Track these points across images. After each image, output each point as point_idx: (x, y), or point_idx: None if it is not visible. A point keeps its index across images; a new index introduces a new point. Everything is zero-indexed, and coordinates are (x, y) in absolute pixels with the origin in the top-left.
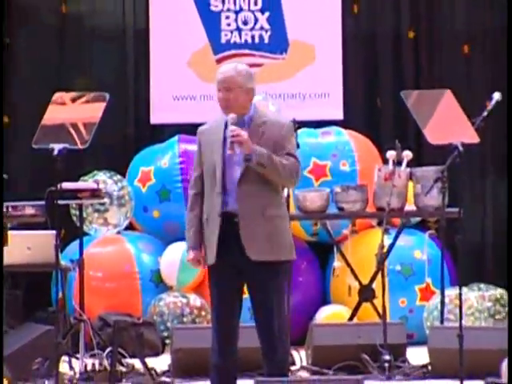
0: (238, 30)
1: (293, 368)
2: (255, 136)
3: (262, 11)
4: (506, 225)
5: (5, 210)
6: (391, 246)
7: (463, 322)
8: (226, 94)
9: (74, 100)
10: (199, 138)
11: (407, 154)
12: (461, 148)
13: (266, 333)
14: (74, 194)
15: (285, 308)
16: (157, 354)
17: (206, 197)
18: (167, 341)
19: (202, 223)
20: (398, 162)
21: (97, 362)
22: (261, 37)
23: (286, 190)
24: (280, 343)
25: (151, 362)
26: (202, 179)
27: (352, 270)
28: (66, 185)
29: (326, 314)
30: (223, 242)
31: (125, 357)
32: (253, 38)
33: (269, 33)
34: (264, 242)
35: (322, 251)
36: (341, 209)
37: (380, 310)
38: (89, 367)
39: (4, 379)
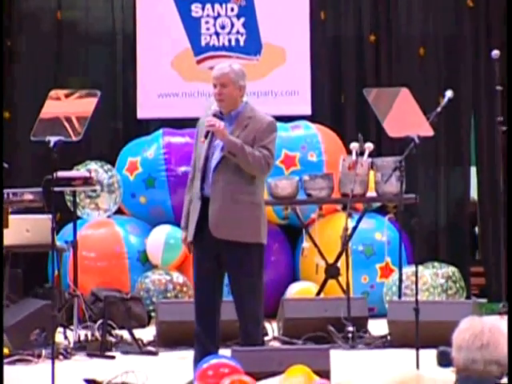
0: (217, 33)
1: (266, 338)
2: (239, 128)
3: (238, 17)
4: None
5: (5, 196)
6: (354, 228)
7: (419, 296)
8: (221, 89)
9: (68, 96)
10: (197, 129)
11: (369, 146)
12: (417, 140)
13: (241, 309)
14: (69, 181)
15: (259, 287)
16: (143, 325)
17: (194, 182)
18: (152, 314)
19: None
20: (361, 153)
21: (89, 333)
22: (237, 40)
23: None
24: (253, 320)
25: (138, 333)
26: (195, 165)
27: (319, 250)
28: (61, 173)
29: (296, 290)
30: (201, 223)
31: (114, 328)
32: (229, 41)
33: (244, 36)
34: (230, 224)
35: (292, 233)
36: (309, 195)
37: (344, 286)
38: (82, 338)
39: (5, 348)
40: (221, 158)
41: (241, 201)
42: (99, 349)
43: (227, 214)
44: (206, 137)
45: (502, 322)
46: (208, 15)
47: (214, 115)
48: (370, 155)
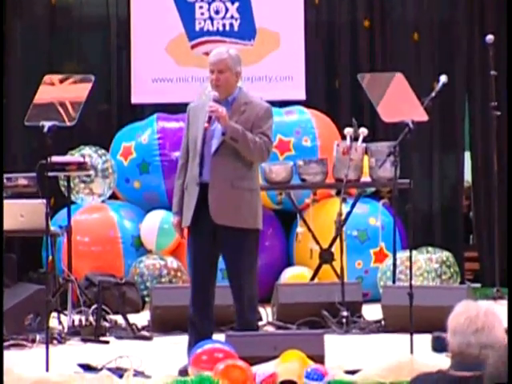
0: (211, 18)
1: (260, 323)
2: (236, 114)
3: (232, 2)
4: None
5: None
6: (348, 213)
7: (413, 281)
8: (218, 75)
9: (62, 81)
10: (188, 114)
11: (363, 131)
12: (411, 125)
13: (237, 294)
14: (63, 166)
15: (254, 272)
16: (137, 310)
17: (189, 167)
18: (147, 299)
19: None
20: (355, 138)
21: (83, 317)
22: (231, 25)
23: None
24: (249, 304)
25: (132, 318)
26: (187, 151)
27: (313, 235)
28: (56, 158)
29: (290, 275)
30: (199, 208)
31: (108, 313)
32: (224, 26)
33: (238, 21)
34: (230, 210)
35: (287, 218)
36: (303, 180)
37: (338, 271)
38: (76, 322)
39: None
40: (220, 143)
41: (240, 186)
42: (93, 334)
43: (227, 200)
44: (208, 122)
45: (496, 306)
46: (202, 0)
47: (215, 100)
48: (364, 140)
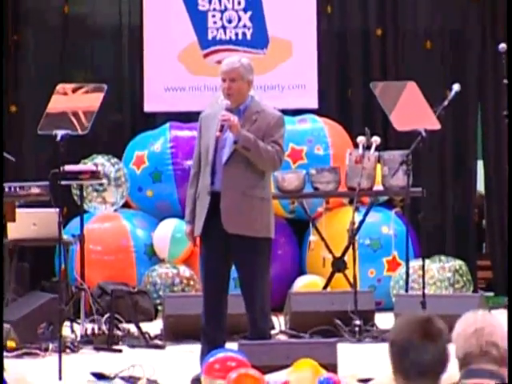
0: (223, 27)
1: (272, 332)
2: (248, 122)
3: (245, 10)
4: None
5: (12, 189)
6: (361, 222)
7: (426, 290)
8: (230, 83)
9: (74, 90)
10: (200, 123)
11: (375, 139)
12: (424, 134)
13: (250, 303)
14: (76, 175)
15: (266, 281)
16: (150, 319)
17: (201, 176)
18: (159, 308)
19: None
20: (368, 147)
21: (96, 326)
22: (244, 34)
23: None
24: (261, 313)
25: (145, 326)
26: (199, 160)
27: (326, 244)
28: (68, 167)
29: (303, 284)
30: (211, 217)
31: (121, 322)
32: (236, 35)
33: (251, 30)
34: (242, 219)
35: (299, 227)
36: (316, 188)
37: (351, 280)
38: (89, 331)
39: (12, 341)
40: (232, 152)
41: (252, 195)
42: (106, 342)
43: (239, 209)
44: (220, 131)
45: (494, 313)
46: (215, 9)
47: (227, 109)
48: (376, 149)
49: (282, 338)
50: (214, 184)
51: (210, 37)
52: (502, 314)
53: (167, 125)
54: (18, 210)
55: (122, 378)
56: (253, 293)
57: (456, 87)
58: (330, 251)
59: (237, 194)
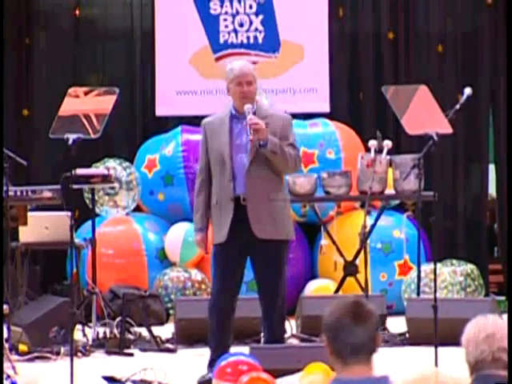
0: (235, 31)
1: (284, 336)
2: None
3: (257, 14)
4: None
5: (24, 193)
6: (373, 225)
7: (437, 294)
8: (247, 87)
9: (86, 93)
10: (205, 129)
11: (387, 143)
12: (435, 138)
13: (269, 308)
14: (87, 179)
15: (285, 284)
16: (161, 323)
17: (215, 183)
18: (171, 311)
19: (209, 207)
20: (379, 150)
21: (107, 330)
22: (255, 37)
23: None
24: (279, 318)
25: (156, 330)
26: (208, 167)
27: (337, 248)
28: (80, 171)
29: (314, 288)
30: (234, 224)
31: (133, 326)
32: (248, 38)
33: (262, 34)
34: (268, 223)
35: (311, 231)
36: (327, 192)
37: (363, 284)
38: (100, 335)
39: (24, 345)
40: (253, 157)
41: (275, 198)
42: (118, 346)
43: (265, 213)
44: (252, 135)
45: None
46: (226, 12)
47: (254, 113)
48: (388, 153)
49: (294, 341)
50: (235, 189)
51: (221, 40)
52: None
53: (179, 128)
54: (29, 214)
55: (134, 382)
56: (274, 296)
57: (468, 91)
58: (342, 255)
59: (262, 198)
